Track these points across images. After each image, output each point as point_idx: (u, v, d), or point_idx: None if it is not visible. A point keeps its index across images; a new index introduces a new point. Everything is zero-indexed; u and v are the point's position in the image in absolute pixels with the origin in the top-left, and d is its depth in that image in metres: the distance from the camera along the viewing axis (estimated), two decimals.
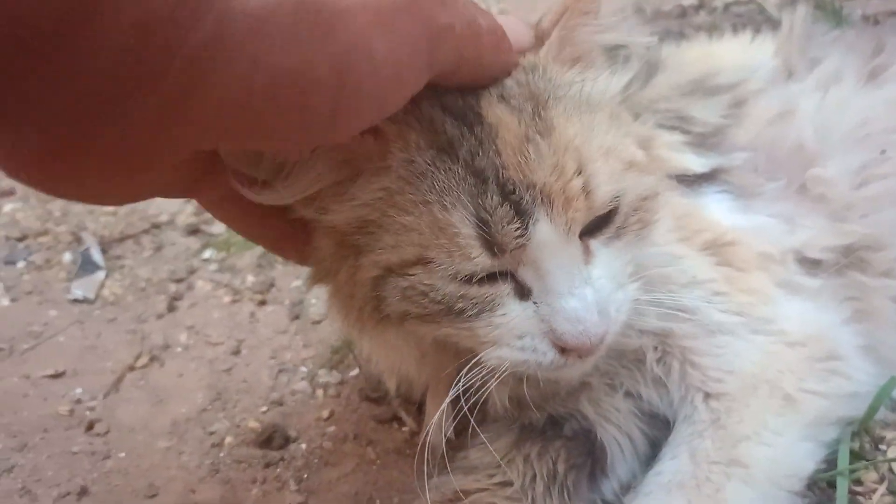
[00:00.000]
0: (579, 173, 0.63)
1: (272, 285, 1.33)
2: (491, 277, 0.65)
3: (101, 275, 1.40)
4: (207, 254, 1.43)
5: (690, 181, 0.93)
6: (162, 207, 1.60)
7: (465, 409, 0.71)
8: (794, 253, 0.92)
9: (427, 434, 0.78)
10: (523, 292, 0.66)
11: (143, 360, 1.19)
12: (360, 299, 0.70)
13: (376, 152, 0.64)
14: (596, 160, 0.65)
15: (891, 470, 0.88)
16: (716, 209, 0.93)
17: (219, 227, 1.50)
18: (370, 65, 0.51)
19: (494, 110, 0.64)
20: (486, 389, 0.69)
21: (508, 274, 0.65)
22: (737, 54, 1.10)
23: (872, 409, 0.89)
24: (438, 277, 0.63)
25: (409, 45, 0.53)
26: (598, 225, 0.67)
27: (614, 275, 0.68)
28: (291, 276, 1.34)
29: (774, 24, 1.21)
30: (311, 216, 0.69)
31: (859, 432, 0.90)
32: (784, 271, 0.91)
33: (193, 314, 1.29)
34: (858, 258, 0.93)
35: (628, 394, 0.87)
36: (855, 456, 0.87)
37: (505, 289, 0.65)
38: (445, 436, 0.80)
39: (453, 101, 0.65)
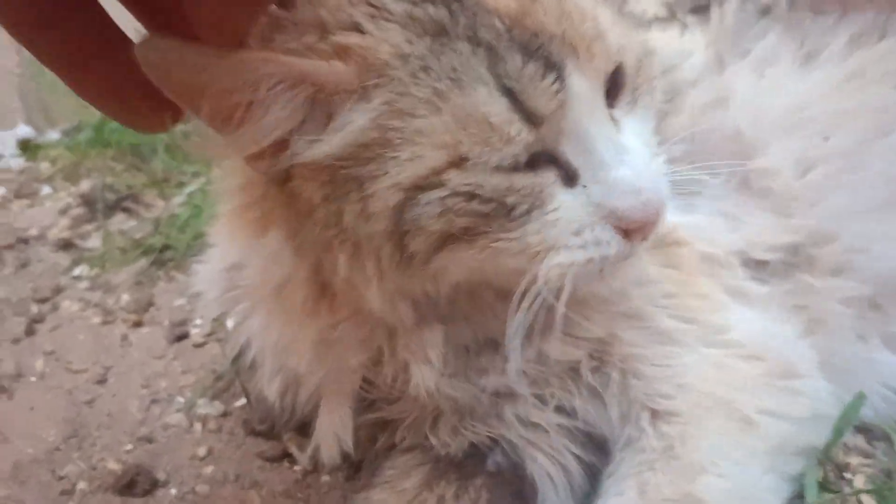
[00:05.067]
0: (586, 20, 0.58)
1: (150, 304, 1.15)
2: (534, 163, 0.57)
3: None
4: (78, 270, 1.25)
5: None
6: (33, 220, 1.42)
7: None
8: (740, 254, 0.83)
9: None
10: (570, 176, 0.58)
11: None
12: (375, 242, 0.59)
13: (353, 73, 0.55)
14: (594, 6, 0.61)
15: (859, 502, 0.76)
16: None
17: (94, 242, 1.33)
18: None
19: None
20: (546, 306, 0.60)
21: (551, 157, 0.58)
22: (669, 43, 1.02)
23: (838, 433, 0.78)
24: (480, 172, 0.56)
25: None
26: (612, 89, 0.61)
27: (646, 143, 0.62)
28: (174, 294, 1.17)
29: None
30: (277, 165, 0.58)
31: (822, 460, 0.78)
32: (731, 276, 0.81)
33: (55, 338, 1.10)
34: (806, 256, 0.84)
35: (560, 409, 0.73)
36: (819, 487, 0.75)
37: (550, 177, 0.58)
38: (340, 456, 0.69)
39: None
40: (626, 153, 0.58)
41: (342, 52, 0.55)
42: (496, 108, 0.54)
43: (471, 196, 0.56)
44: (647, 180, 0.58)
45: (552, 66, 0.55)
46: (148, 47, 0.48)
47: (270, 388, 0.80)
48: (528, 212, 0.57)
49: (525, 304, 0.60)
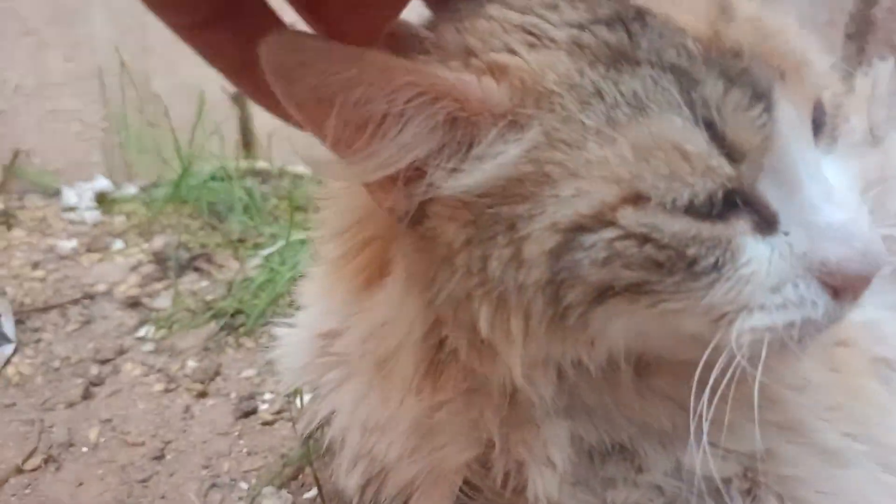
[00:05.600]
0: (790, 38, 0.51)
1: (217, 374, 1.06)
2: (725, 211, 0.48)
3: (8, 349, 1.13)
4: (143, 331, 1.17)
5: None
6: (102, 275, 1.35)
7: None
8: None
9: None
10: (767, 222, 0.49)
11: (36, 460, 0.91)
12: (526, 294, 0.49)
13: (505, 95, 0.48)
14: (795, 25, 0.54)
15: None
16: None
17: (163, 301, 1.24)
18: None
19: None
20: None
21: (746, 199, 0.49)
22: None
23: None
24: (661, 213, 0.47)
25: None
26: (814, 125, 0.52)
27: (851, 186, 0.52)
28: (243, 364, 1.07)
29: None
30: (409, 199, 0.51)
31: None
32: None
33: (113, 404, 1.01)
34: None
35: None
36: None
37: (741, 225, 0.49)
38: None
39: (594, 9, 0.51)
40: (836, 195, 0.49)
41: (496, 71, 0.49)
42: (693, 138, 0.46)
43: (644, 240, 0.47)
44: (863, 227, 0.48)
45: (759, 93, 0.47)
46: (275, 44, 0.43)
47: (350, 477, 0.69)
48: (716, 267, 0.48)
49: (713, 379, 0.49)
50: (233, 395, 1.02)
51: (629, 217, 0.47)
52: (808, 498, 0.59)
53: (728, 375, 0.49)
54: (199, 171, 1.66)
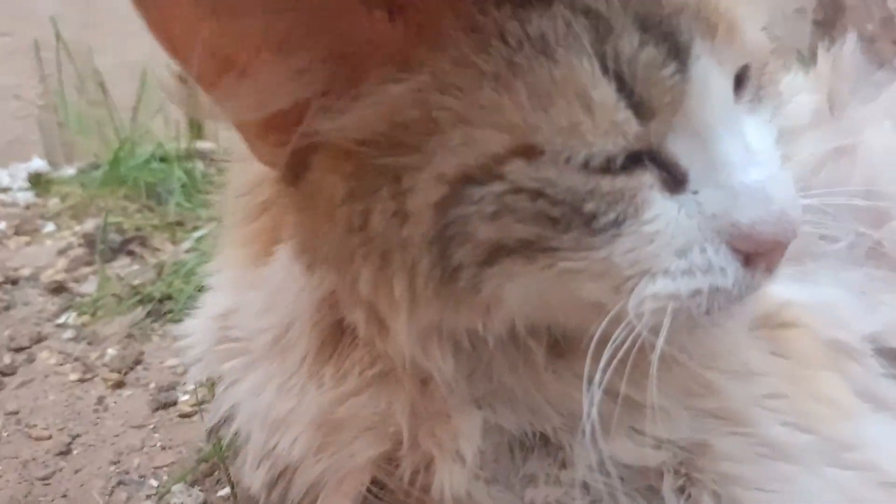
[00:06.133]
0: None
1: (138, 362, 0.99)
2: (630, 164, 0.44)
3: None
4: (65, 318, 1.10)
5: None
6: (28, 259, 1.28)
7: None
8: (874, 342, 0.66)
9: None
10: (675, 180, 0.45)
11: None
12: (410, 251, 0.45)
13: (399, 35, 0.44)
14: None
15: None
16: None
17: (90, 286, 1.17)
18: None
19: None
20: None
21: (649, 156, 0.45)
22: None
23: None
24: (554, 167, 0.42)
25: None
26: (735, 84, 0.48)
27: (773, 147, 0.48)
28: (167, 352, 1.01)
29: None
30: (288, 145, 0.46)
31: None
32: (863, 372, 0.64)
33: (22, 395, 0.94)
34: None
35: None
36: None
37: (647, 179, 0.44)
38: None
39: None
40: (754, 154, 0.45)
41: (393, 6, 0.44)
42: (600, 88, 0.42)
43: (537, 195, 0.43)
44: (780, 188, 0.44)
45: (677, 51, 0.43)
46: None
47: (255, 476, 0.63)
48: (616, 223, 0.44)
49: (607, 352, 0.44)
50: (152, 385, 0.95)
51: (520, 171, 0.42)
52: (746, 497, 0.54)
53: (625, 348, 0.44)
54: (142, 152, 1.59)
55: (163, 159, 1.54)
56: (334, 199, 0.46)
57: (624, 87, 0.42)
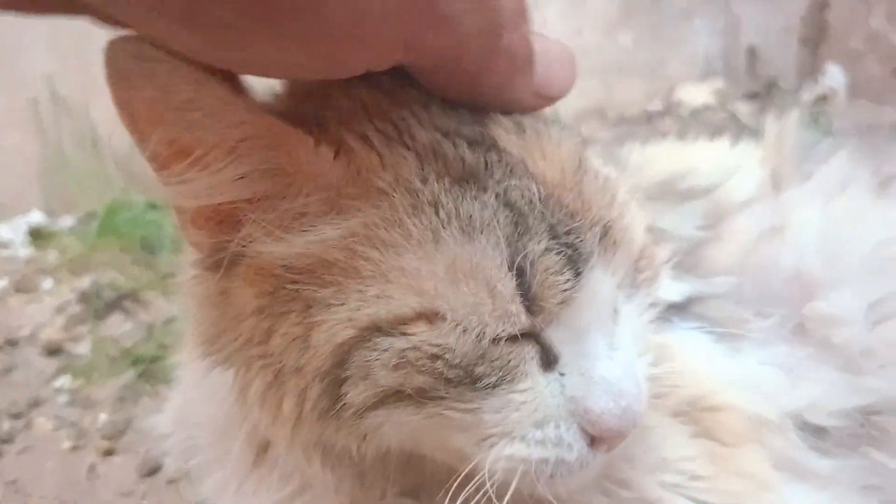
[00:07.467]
0: (626, 212, 0.52)
1: (128, 426, 1.04)
2: (517, 337, 0.48)
3: None
4: (61, 381, 1.15)
5: (657, 315, 0.68)
6: (28, 318, 1.33)
7: None
8: (795, 417, 0.68)
9: None
10: (548, 359, 0.49)
11: None
12: (304, 378, 0.48)
13: (339, 174, 0.47)
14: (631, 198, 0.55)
15: None
16: (692, 354, 0.68)
17: (84, 347, 1.23)
18: None
19: (512, 139, 0.51)
20: None
21: (532, 336, 0.49)
22: (714, 158, 0.88)
23: None
24: (454, 335, 0.47)
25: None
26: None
27: (637, 336, 0.54)
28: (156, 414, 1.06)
29: (753, 134, 1.02)
30: (221, 244, 0.49)
31: None
32: (784, 444, 0.66)
33: (21, 464, 0.99)
34: (875, 428, 0.69)
35: None
36: None
37: (529, 351, 0.49)
38: None
39: (461, 125, 0.51)
40: (616, 349, 0.50)
41: (339, 147, 0.47)
42: (504, 280, 0.46)
43: (436, 358, 0.47)
44: (631, 385, 0.49)
45: (575, 261, 0.48)
46: (122, 48, 0.42)
47: None
48: (495, 385, 0.48)
49: (462, 495, 0.49)
50: (141, 449, 1.00)
51: (423, 334, 0.46)
52: None
53: (480, 497, 0.48)
54: (138, 201, 1.64)
55: (154, 206, 1.59)
56: (245, 310, 0.49)
57: (523, 284, 0.46)
